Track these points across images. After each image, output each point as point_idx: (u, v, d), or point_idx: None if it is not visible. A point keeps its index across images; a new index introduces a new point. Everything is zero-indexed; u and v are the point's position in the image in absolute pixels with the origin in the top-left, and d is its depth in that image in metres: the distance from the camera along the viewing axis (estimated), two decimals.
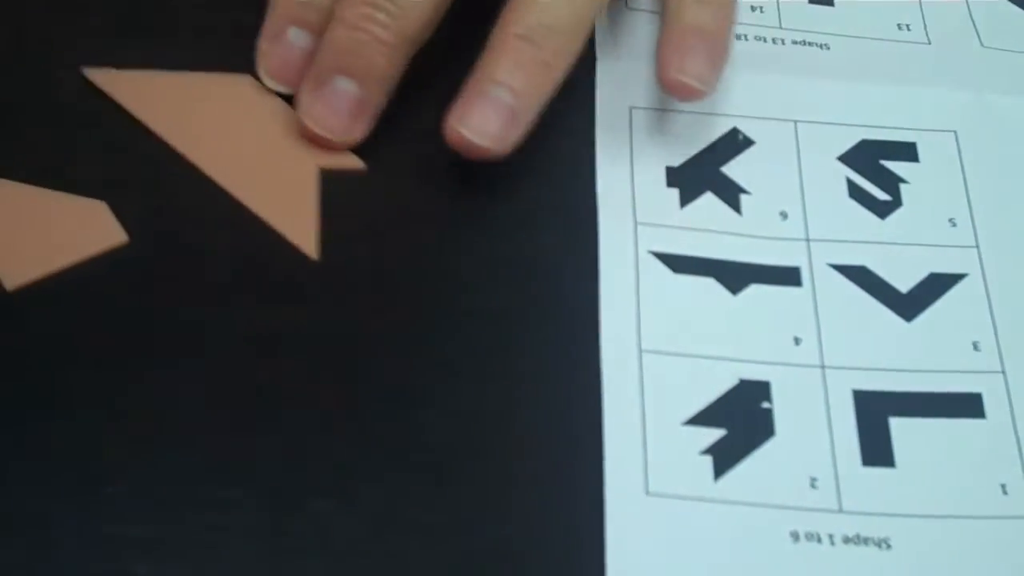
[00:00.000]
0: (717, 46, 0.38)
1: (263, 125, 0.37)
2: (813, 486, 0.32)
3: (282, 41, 0.37)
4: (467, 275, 0.35)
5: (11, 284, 0.34)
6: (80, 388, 0.32)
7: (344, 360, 0.33)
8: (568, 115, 0.38)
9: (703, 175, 0.38)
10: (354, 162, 0.37)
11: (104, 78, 0.38)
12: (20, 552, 0.30)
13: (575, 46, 0.36)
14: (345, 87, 0.36)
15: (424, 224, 0.36)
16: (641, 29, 0.41)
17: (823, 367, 0.34)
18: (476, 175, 0.37)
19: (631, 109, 0.39)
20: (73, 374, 0.32)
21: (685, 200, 0.38)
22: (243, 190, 0.36)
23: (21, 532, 0.30)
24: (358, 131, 0.37)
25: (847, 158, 0.39)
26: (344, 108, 0.36)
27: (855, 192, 0.38)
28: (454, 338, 0.34)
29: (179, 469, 0.31)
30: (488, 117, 0.35)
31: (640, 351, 0.34)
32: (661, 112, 0.39)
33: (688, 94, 0.37)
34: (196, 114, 0.37)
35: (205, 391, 0.32)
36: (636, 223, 0.37)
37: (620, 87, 0.40)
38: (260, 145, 0.37)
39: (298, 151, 0.37)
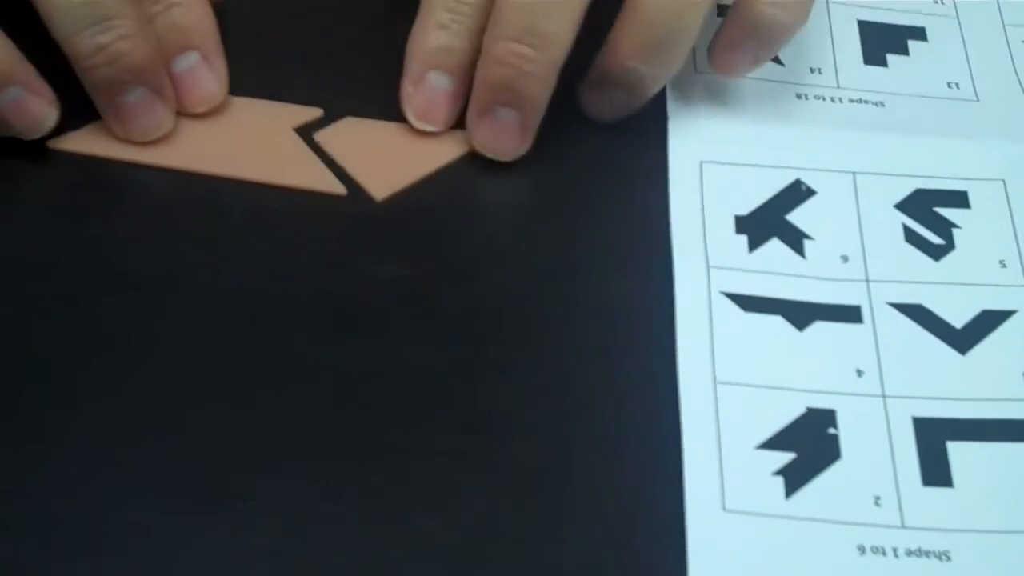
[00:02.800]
0: None
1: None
2: (877, 504, 0.34)
3: (425, 84, 0.40)
4: (556, 313, 0.38)
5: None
6: (203, 420, 0.35)
7: (444, 389, 0.36)
8: (644, 169, 0.41)
9: (769, 222, 0.40)
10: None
11: None
12: (159, 563, 0.32)
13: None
14: (506, 116, 0.39)
15: (517, 268, 0.39)
16: (708, 90, 0.44)
17: (884, 396, 0.36)
18: (563, 223, 0.40)
19: (702, 163, 0.42)
20: (189, 401, 0.36)
21: (753, 245, 0.40)
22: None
23: (160, 543, 0.33)
24: (523, 147, 0.40)
25: (903, 206, 0.41)
26: (508, 132, 0.40)
27: (911, 237, 0.40)
28: (547, 369, 0.37)
29: (299, 488, 0.34)
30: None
31: (715, 382, 0.36)
32: (730, 166, 0.42)
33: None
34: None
35: (317, 418, 0.35)
36: (708, 267, 0.39)
37: (691, 143, 0.42)
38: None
39: None
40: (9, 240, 0.39)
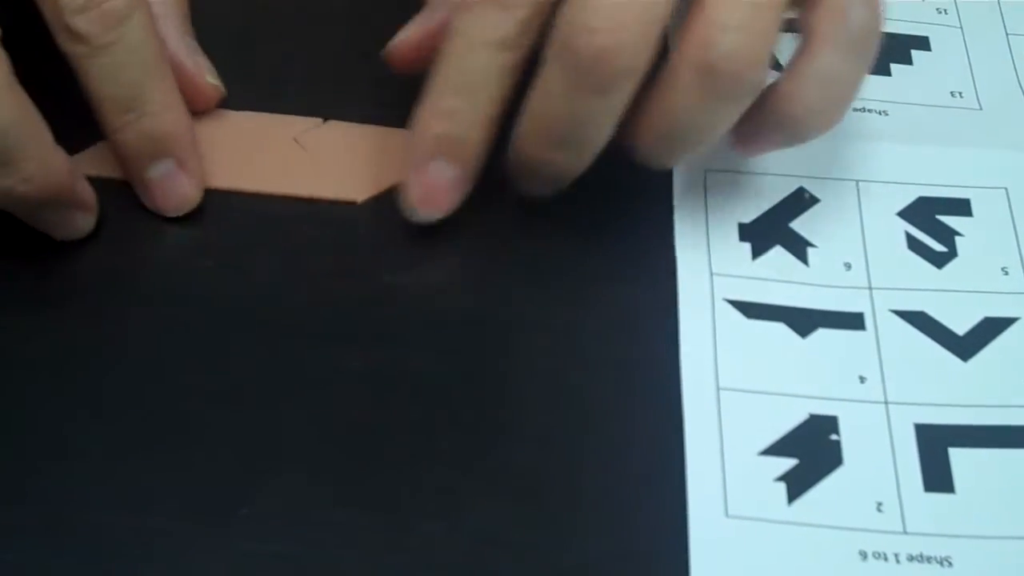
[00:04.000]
0: None
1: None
2: (879, 510, 0.34)
3: (426, 172, 0.38)
4: (560, 320, 0.38)
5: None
6: (208, 426, 0.36)
7: (449, 396, 0.36)
8: (648, 177, 0.41)
9: (773, 230, 0.41)
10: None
11: None
12: (165, 568, 0.33)
13: None
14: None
15: (521, 276, 0.39)
16: None
17: (886, 403, 0.37)
18: (567, 230, 0.40)
19: (705, 171, 0.42)
20: (208, 411, 0.36)
21: (756, 253, 0.40)
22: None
23: (166, 549, 0.33)
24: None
25: (906, 214, 0.41)
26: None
27: (913, 244, 0.40)
28: (551, 376, 0.37)
29: (305, 493, 0.34)
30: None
31: (718, 389, 0.37)
32: (733, 174, 0.42)
33: None
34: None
35: (323, 424, 0.36)
36: (712, 274, 0.39)
37: None
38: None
39: None
40: (19, 254, 0.39)
